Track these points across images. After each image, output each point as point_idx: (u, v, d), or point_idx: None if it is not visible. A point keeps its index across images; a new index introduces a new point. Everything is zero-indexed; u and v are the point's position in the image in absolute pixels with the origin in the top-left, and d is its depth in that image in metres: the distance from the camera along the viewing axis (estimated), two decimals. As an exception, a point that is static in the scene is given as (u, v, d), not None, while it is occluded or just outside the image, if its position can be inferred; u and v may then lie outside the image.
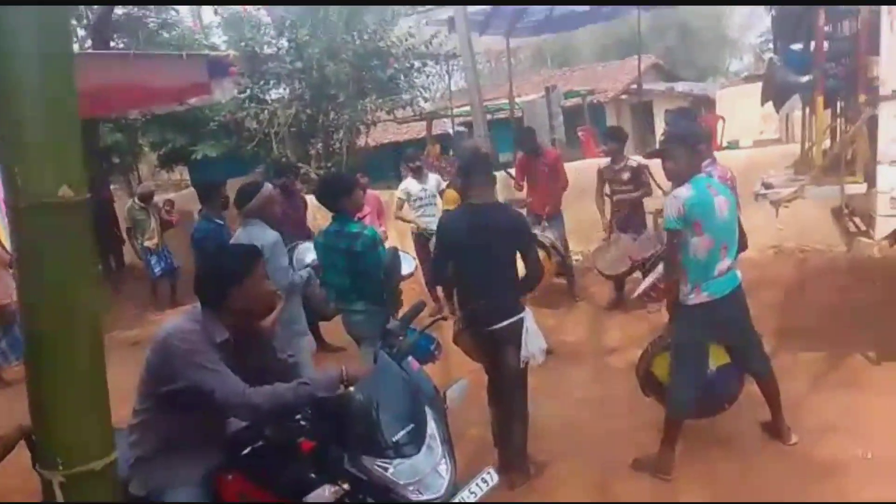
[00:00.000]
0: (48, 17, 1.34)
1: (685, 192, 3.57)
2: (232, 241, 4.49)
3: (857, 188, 4.63)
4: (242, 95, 11.43)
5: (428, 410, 2.49)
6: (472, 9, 9.44)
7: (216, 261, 2.68)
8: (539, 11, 11.70)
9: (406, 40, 11.14)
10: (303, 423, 2.45)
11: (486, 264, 3.70)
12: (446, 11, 11.40)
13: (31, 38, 1.34)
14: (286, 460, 2.47)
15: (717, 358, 3.80)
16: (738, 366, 3.86)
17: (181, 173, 17.35)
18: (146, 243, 9.26)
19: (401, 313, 3.53)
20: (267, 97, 11.78)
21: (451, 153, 13.84)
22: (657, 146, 5.12)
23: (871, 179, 4.50)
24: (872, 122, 4.41)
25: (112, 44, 11.83)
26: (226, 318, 2.49)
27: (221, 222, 5.67)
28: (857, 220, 5.22)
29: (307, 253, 4.97)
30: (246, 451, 2.47)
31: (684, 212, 3.53)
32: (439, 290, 7.30)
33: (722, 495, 3.54)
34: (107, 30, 11.67)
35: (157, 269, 9.30)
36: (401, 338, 2.76)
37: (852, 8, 4.55)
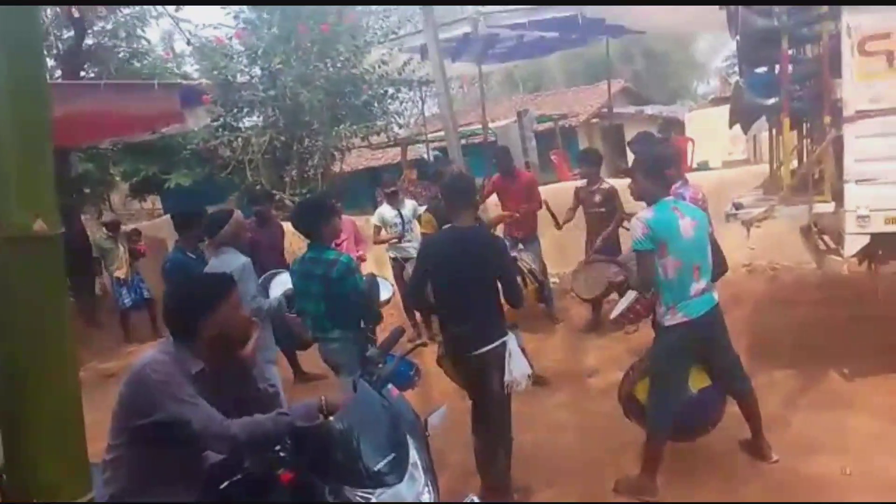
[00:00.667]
0: (22, 45, 1.33)
1: (648, 214, 3.66)
2: (208, 268, 4.45)
3: (826, 207, 4.73)
4: (215, 123, 11.39)
5: (409, 438, 2.46)
6: (443, 36, 9.54)
7: (185, 290, 2.65)
8: (510, 38, 11.88)
9: (379, 67, 11.21)
10: (282, 454, 2.41)
11: (468, 288, 3.69)
12: (418, 39, 11.53)
13: (3, 66, 1.32)
14: (266, 492, 2.42)
15: (698, 381, 3.82)
16: (719, 387, 3.88)
17: (153, 202, 17.19)
18: (115, 273, 9.10)
19: (379, 339, 3.52)
20: (240, 125, 11.74)
21: (430, 177, 13.90)
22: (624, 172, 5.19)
23: (838, 198, 4.60)
24: (838, 143, 4.52)
25: (82, 73, 11.74)
26: (199, 349, 2.45)
27: (193, 256, 5.44)
28: (826, 238, 5.32)
29: (283, 284, 4.95)
30: (224, 485, 2.42)
31: (648, 232, 3.59)
32: (417, 314, 7.29)
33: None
34: (77, 60, 11.59)
35: (126, 300, 9.10)
36: (380, 365, 2.74)
37: (815, 32, 4.68)
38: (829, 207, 4.70)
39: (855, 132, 4.40)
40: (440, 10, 10.49)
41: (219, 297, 2.48)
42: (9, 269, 1.39)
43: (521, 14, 10.93)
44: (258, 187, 10.88)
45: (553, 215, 7.04)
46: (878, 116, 4.31)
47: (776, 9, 4.60)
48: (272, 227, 6.67)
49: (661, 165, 3.90)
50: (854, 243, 4.53)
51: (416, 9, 10.02)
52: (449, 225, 3.94)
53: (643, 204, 3.79)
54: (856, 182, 4.43)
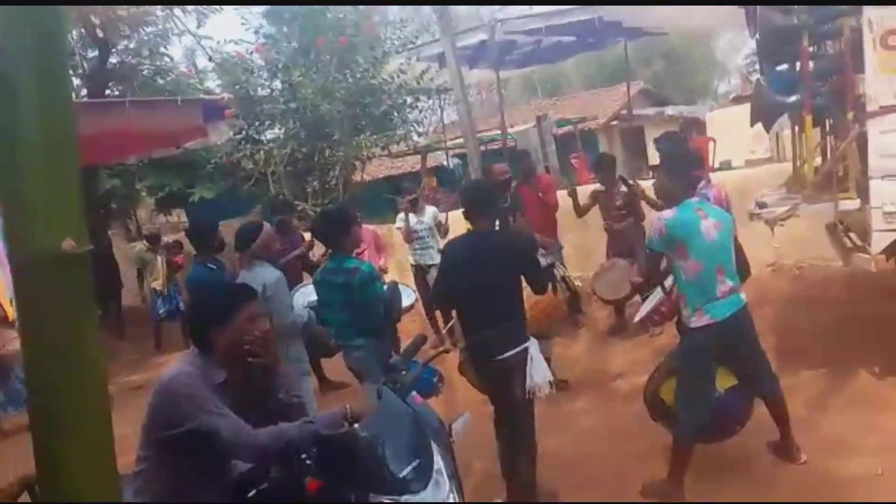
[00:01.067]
0: (48, 66, 1.36)
1: (669, 214, 3.65)
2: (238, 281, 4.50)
3: (851, 204, 4.67)
4: (238, 137, 11.54)
5: (434, 445, 2.47)
6: (461, 44, 9.58)
7: (199, 301, 2.68)
8: (527, 44, 11.90)
9: (398, 77, 11.28)
10: (308, 462, 2.43)
11: (488, 293, 3.70)
12: (436, 48, 11.60)
13: (31, 88, 1.36)
14: (293, 500, 2.45)
15: (724, 380, 3.78)
16: (746, 388, 3.83)
17: (179, 216, 17.43)
18: (153, 284, 9.34)
19: (402, 347, 3.53)
20: (262, 137, 11.87)
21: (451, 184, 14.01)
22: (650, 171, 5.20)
23: (863, 195, 4.54)
24: (862, 139, 4.46)
25: (107, 91, 11.97)
26: (219, 359, 2.48)
27: (214, 266, 5.52)
28: (852, 235, 5.25)
29: (311, 293, 5.00)
30: (252, 493, 2.45)
31: (666, 233, 3.58)
32: (440, 321, 7.30)
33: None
34: (102, 78, 11.83)
35: (161, 311, 9.36)
36: (403, 372, 2.76)
37: (835, 28, 4.63)
38: (855, 204, 4.64)
39: (879, 127, 4.33)
40: (457, 18, 10.57)
41: (232, 308, 2.49)
42: (38, 289, 1.43)
43: (537, 19, 10.95)
44: (280, 198, 11.00)
45: (575, 202, 6.95)
46: (903, 111, 4.24)
47: (796, 6, 4.55)
48: (293, 237, 6.73)
49: (685, 165, 3.89)
50: (881, 240, 4.46)
51: (433, 18, 10.07)
52: (470, 230, 3.96)
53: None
54: (881, 178, 4.36)
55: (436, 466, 2.40)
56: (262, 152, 11.25)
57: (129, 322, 11.00)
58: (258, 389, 2.63)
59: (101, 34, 10.66)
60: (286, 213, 6.99)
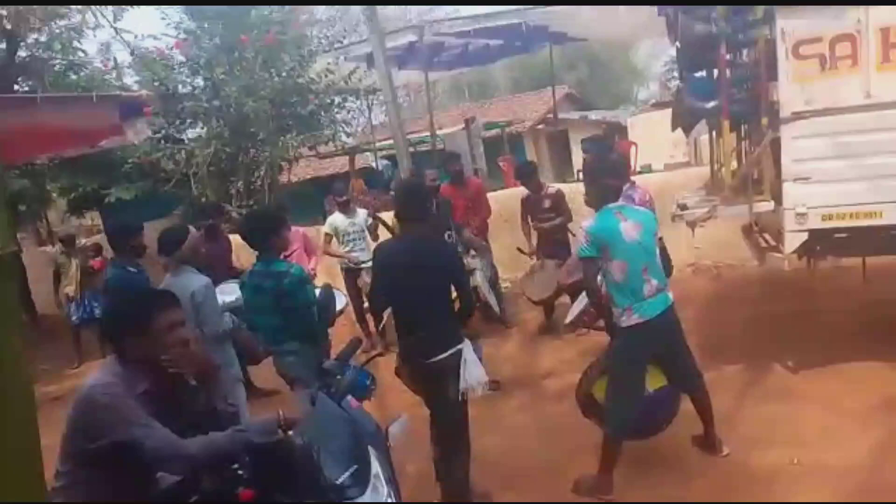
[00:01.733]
0: None
1: (590, 222, 3.83)
2: (162, 287, 4.32)
3: (766, 206, 4.90)
4: (157, 136, 11.13)
5: (371, 450, 2.44)
6: (390, 44, 9.55)
7: (115, 308, 2.58)
8: (455, 46, 11.99)
9: (325, 76, 11.13)
10: (240, 472, 2.35)
11: (422, 296, 3.69)
12: (364, 48, 11.51)
13: None
14: (225, 512, 2.36)
15: (655, 380, 3.88)
16: (674, 385, 3.95)
17: (93, 218, 16.66)
18: (65, 290, 8.81)
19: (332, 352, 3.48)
20: (184, 137, 11.49)
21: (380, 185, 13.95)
22: (577, 173, 5.32)
23: (777, 197, 4.76)
24: (776, 144, 4.69)
25: (16, 87, 11.32)
26: (140, 367, 2.38)
27: (135, 269, 5.21)
28: (766, 235, 5.50)
29: (228, 293, 4.86)
30: (181, 507, 2.36)
31: (591, 239, 3.73)
32: (370, 324, 7.25)
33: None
34: (10, 73, 11.18)
35: (74, 318, 8.83)
36: (338, 377, 2.71)
37: (751, 37, 4.84)
38: (769, 206, 4.87)
39: (791, 133, 4.57)
40: (385, 19, 10.53)
41: (148, 316, 2.39)
42: None
43: (466, 22, 11.06)
44: (203, 200, 10.66)
45: (522, 251, 7.23)
46: (813, 117, 4.49)
47: (714, 14, 4.74)
48: (221, 242, 6.53)
49: (606, 174, 4.05)
50: (793, 240, 4.70)
51: (362, 18, 9.98)
52: (402, 233, 3.94)
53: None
54: (793, 181, 4.61)
55: (373, 471, 2.37)
56: (183, 152, 10.88)
57: (45, 330, 10.45)
58: (188, 396, 2.53)
59: (8, 26, 10.07)
60: (215, 218, 6.74)
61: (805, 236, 4.65)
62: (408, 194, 3.95)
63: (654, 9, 9.42)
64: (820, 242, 4.83)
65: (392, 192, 13.04)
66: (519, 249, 7.28)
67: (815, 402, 4.53)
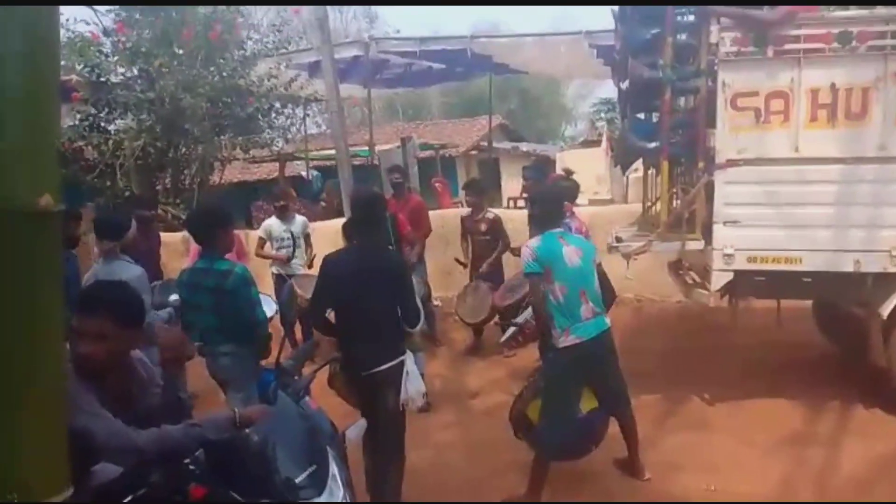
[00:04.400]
0: (37, 18, 1.23)
1: (536, 241, 3.98)
2: (90, 275, 4.15)
3: (696, 245, 5.18)
4: (84, 123, 10.65)
5: (329, 451, 2.43)
6: (335, 56, 9.52)
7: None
8: (398, 65, 12.10)
9: (267, 80, 10.96)
10: (192, 467, 2.29)
11: (369, 307, 3.69)
12: (307, 56, 11.42)
13: (18, 39, 1.23)
14: (174, 508, 2.29)
15: (588, 402, 4.02)
16: (605, 409, 4.10)
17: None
18: None
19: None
20: (112, 127, 11.01)
21: (311, 195, 13.77)
22: (507, 200, 5.45)
23: (707, 237, 5.05)
24: (709, 187, 4.98)
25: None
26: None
27: (67, 258, 5.04)
28: (692, 273, 5.80)
29: (170, 292, 4.72)
30: (128, 500, 2.26)
31: (537, 256, 3.88)
32: (298, 333, 7.13)
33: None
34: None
35: None
36: (296, 377, 2.69)
37: (694, 85, 5.14)
38: (699, 245, 5.15)
39: (724, 178, 4.87)
40: (332, 30, 10.48)
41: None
42: (7, 245, 1.27)
43: (412, 43, 11.19)
44: (127, 194, 10.24)
45: (459, 261, 7.41)
46: (745, 166, 4.80)
47: (661, 62, 5.01)
48: (152, 237, 6.32)
49: (553, 200, 4.25)
50: (720, 279, 4.99)
51: (309, 26, 9.94)
52: (355, 241, 3.95)
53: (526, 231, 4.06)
54: (723, 223, 4.90)
55: (331, 473, 2.36)
56: (110, 142, 10.41)
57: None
58: (139, 387, 2.45)
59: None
60: (148, 208, 6.51)
61: (731, 276, 4.94)
62: (367, 203, 3.94)
63: (592, 51, 9.89)
64: (742, 283, 5.13)
65: (322, 203, 13.02)
66: (456, 259, 7.39)
67: (728, 433, 4.79)
